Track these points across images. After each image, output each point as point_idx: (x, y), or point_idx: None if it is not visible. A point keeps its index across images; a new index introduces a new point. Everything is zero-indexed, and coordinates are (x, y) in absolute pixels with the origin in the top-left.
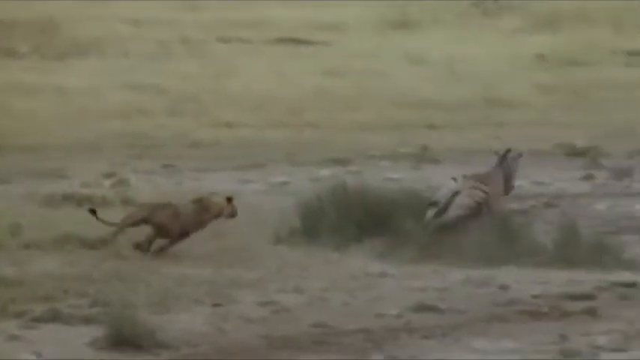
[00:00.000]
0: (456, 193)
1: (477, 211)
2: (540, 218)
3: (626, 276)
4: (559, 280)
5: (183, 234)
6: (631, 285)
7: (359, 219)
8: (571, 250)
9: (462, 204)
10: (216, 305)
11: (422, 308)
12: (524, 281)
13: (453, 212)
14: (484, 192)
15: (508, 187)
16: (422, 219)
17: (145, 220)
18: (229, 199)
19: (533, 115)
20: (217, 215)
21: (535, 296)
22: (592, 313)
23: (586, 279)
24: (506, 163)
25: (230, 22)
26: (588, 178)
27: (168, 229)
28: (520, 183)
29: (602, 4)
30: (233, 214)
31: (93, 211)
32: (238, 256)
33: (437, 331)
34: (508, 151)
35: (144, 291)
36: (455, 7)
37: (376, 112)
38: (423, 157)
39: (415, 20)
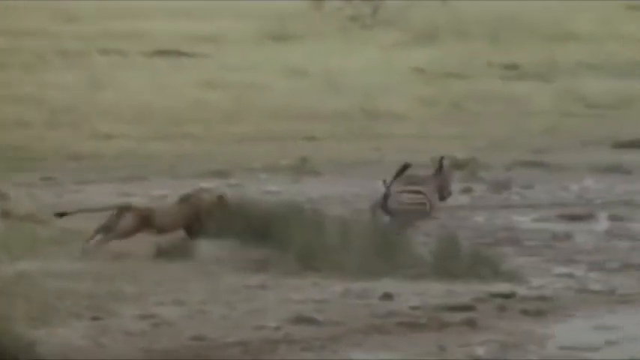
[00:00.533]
0: (385, 197)
1: (421, 212)
2: (420, 230)
3: (505, 287)
4: (438, 291)
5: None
6: (509, 296)
7: (239, 231)
8: (450, 261)
9: (391, 208)
10: (95, 319)
11: (301, 320)
12: (403, 293)
13: (403, 218)
14: (418, 192)
15: (446, 193)
16: (301, 231)
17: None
18: (220, 197)
19: (412, 128)
20: (209, 212)
21: (414, 308)
22: (470, 323)
23: (465, 290)
24: (442, 170)
25: (109, 34)
26: (467, 190)
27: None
28: None
29: (479, 18)
30: (224, 211)
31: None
32: (118, 269)
33: (315, 343)
34: (442, 158)
35: (22, 304)
36: (334, 21)
37: (256, 124)
38: (303, 169)
39: (294, 33)
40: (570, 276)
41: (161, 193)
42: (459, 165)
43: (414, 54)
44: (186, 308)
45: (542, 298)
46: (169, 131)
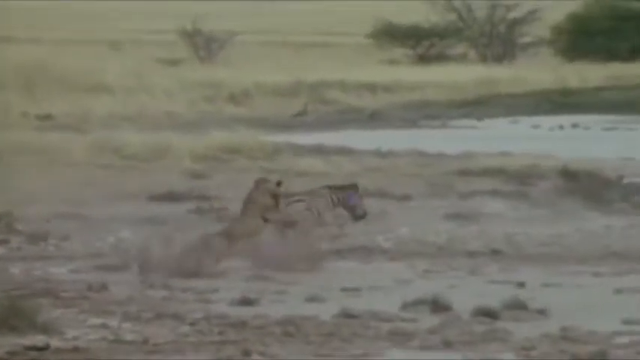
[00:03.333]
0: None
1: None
2: None
3: (40, 339)
4: None
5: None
6: (43, 348)
7: None
8: None
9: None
10: None
11: None
12: None
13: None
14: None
15: (360, 211)
16: None
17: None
18: (279, 183)
19: None
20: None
21: None
22: None
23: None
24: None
25: None
26: (3, 242)
27: None
28: None
29: (13, 68)
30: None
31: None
32: None
33: None
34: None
35: None
36: None
37: None
38: None
39: None
40: (105, 326)
41: None
42: None
43: None
44: None
45: (77, 350)
46: None
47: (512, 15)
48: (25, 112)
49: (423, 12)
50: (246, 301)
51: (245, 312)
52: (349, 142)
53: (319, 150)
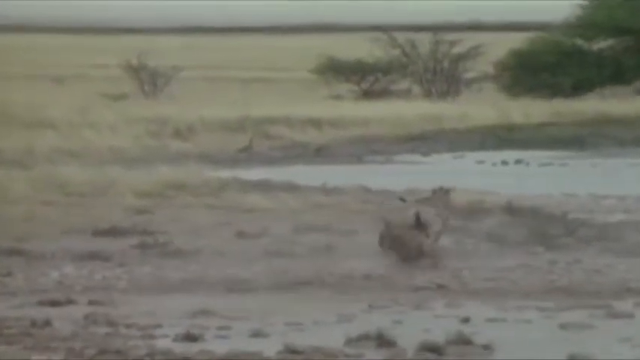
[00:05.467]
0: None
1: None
2: None
3: None
4: None
5: None
6: None
7: None
8: None
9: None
10: None
11: None
12: None
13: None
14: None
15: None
16: None
17: None
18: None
19: None
20: None
21: None
22: None
23: None
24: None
25: None
26: None
27: None
28: None
29: None
30: None
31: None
32: None
33: None
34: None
35: None
36: None
37: None
38: None
39: None
40: None
41: None
42: None
43: None
44: None
45: None
46: None
47: (456, 50)
48: None
49: (367, 47)
50: (190, 337)
51: (189, 348)
52: (295, 178)
53: (265, 186)
